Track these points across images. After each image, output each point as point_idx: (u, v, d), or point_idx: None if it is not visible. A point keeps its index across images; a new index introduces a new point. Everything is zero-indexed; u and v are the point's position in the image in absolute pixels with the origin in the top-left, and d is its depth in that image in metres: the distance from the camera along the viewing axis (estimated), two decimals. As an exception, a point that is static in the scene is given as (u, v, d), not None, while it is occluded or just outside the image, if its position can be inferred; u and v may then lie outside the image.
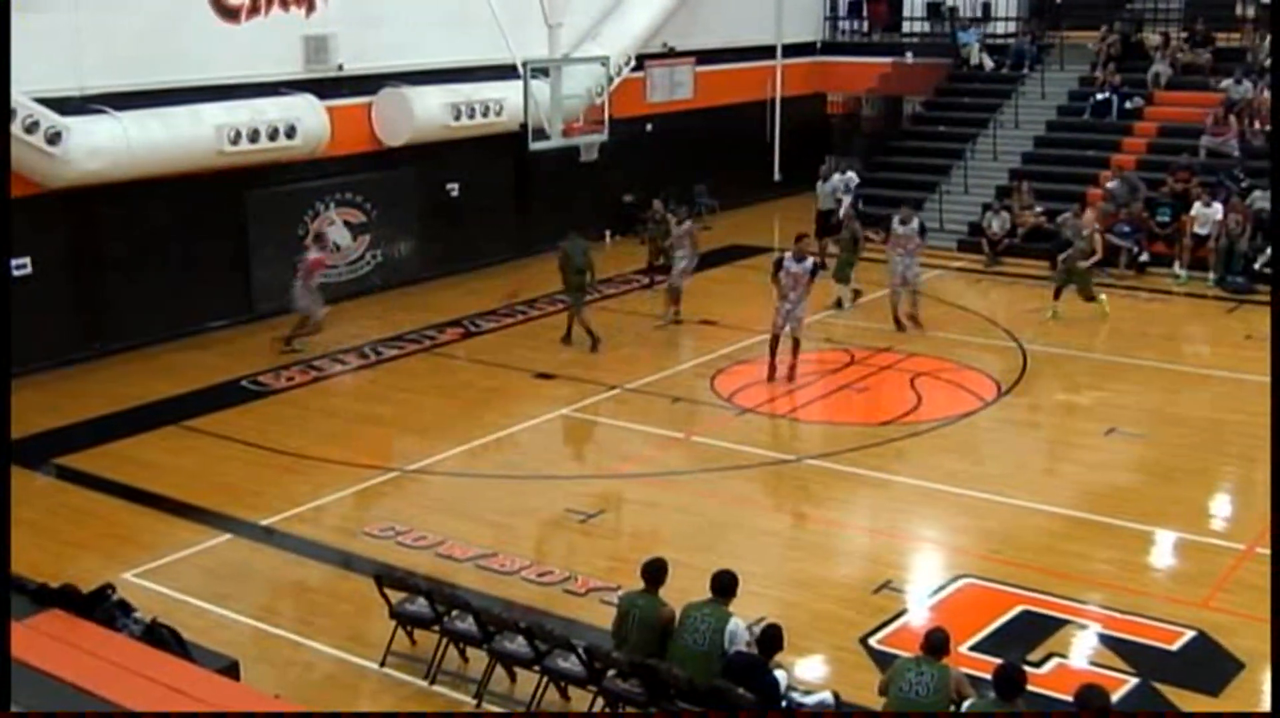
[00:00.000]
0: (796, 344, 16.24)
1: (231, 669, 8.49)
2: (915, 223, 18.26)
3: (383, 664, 9.64)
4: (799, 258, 16.22)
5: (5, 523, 7.28)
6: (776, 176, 28.67)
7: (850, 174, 24.04)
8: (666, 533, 12.06)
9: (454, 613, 9.46)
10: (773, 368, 16.25)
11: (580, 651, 8.72)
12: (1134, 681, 9.34)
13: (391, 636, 9.70)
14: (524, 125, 19.76)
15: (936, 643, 7.94)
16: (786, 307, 16.05)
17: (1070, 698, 7.58)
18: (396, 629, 9.72)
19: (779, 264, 16.27)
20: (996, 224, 22.63)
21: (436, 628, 9.50)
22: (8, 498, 7.61)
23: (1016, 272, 21.82)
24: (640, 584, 8.86)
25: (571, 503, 12.67)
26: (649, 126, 25.67)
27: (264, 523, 12.30)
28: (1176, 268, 21.09)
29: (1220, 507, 13.01)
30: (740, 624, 8.48)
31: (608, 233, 24.32)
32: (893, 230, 18.49)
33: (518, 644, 9.08)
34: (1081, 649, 9.91)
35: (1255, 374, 16.27)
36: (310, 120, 18.67)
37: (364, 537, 11.98)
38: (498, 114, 21.01)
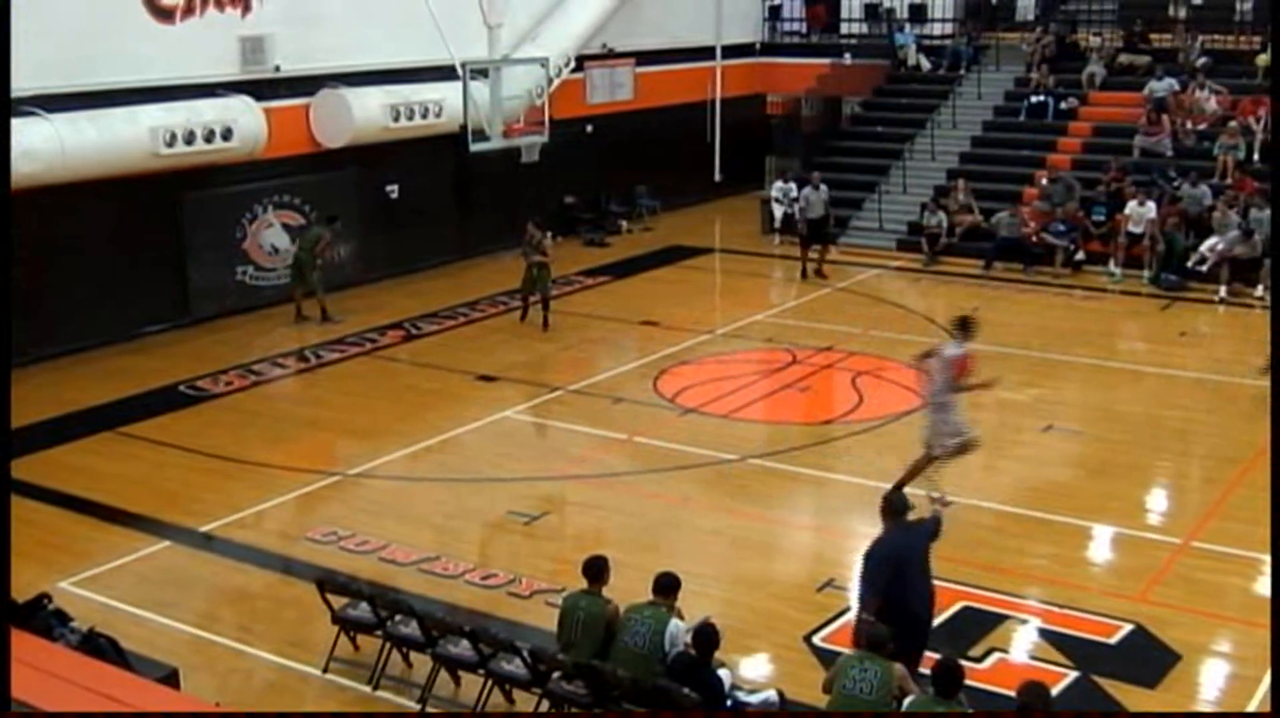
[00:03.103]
0: None
1: (171, 678, 8.40)
2: None
3: (325, 670, 9.57)
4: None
5: (5, 524, 7.15)
6: (717, 177, 28.77)
7: (791, 184, 24.24)
8: (610, 534, 12.06)
9: (397, 618, 9.41)
10: None
11: (525, 653, 8.71)
12: (1073, 674, 9.45)
13: (334, 641, 9.64)
14: (464, 127, 19.68)
15: (879, 640, 8.00)
16: None
17: (1013, 694, 7.66)
18: (339, 635, 9.66)
19: None
20: (935, 223, 22.83)
21: (380, 633, 9.44)
22: (8, 499, 7.46)
23: (955, 271, 22.02)
24: (583, 584, 8.86)
25: (515, 505, 12.64)
26: (589, 128, 25.65)
27: (203, 529, 12.17)
28: (1111, 266, 21.37)
29: (1156, 501, 13.21)
30: (680, 626, 8.47)
31: (549, 234, 24.23)
32: None
33: (462, 648, 9.05)
34: (1021, 644, 10.02)
35: (1189, 371, 16.61)
36: (247, 122, 18.49)
37: (306, 542, 11.88)
38: (437, 115, 20.92)
